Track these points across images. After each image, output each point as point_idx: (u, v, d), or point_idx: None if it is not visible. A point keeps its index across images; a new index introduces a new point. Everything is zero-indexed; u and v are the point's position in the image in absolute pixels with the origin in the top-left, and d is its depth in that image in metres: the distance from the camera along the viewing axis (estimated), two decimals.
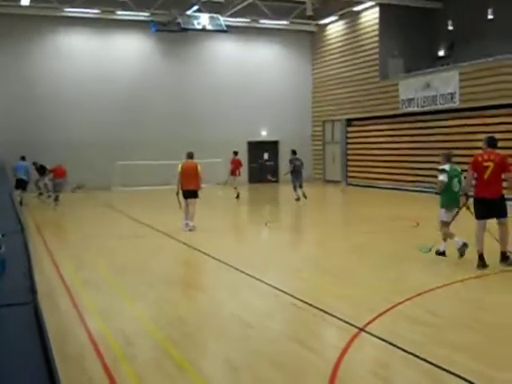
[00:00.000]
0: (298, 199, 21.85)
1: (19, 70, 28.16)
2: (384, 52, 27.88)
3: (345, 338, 6.41)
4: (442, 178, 10.79)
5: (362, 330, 6.70)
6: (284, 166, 33.19)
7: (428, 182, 20.63)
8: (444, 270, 9.97)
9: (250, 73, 32.30)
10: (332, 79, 31.83)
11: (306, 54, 33.83)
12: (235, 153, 25.16)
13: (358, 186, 29.01)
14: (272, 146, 33.04)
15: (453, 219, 10.75)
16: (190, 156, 15.29)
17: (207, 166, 26.13)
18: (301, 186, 22.15)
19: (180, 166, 15.13)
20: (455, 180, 10.83)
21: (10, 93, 27.99)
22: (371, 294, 8.45)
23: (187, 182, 14.91)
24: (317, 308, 7.64)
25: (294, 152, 22.85)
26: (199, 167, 15.05)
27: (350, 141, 30.86)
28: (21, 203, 20.27)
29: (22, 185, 21.72)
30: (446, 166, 10.93)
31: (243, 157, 31.73)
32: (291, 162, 22.67)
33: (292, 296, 8.28)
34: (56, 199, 21.84)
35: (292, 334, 6.80)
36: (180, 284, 9.43)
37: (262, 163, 32.63)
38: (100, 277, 10.18)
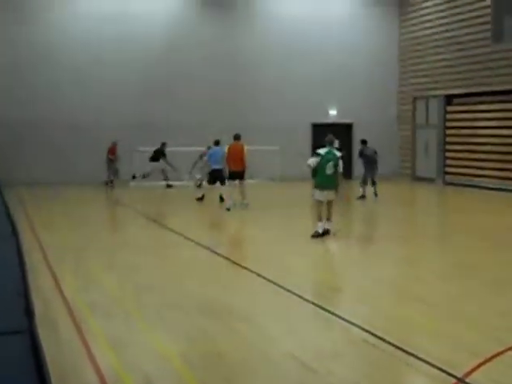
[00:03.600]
0: (362, 197, 23.54)
1: (5, 27, 28.56)
2: (498, 5, 27.40)
3: None
4: (309, 162, 15.31)
5: (461, 380, 6.61)
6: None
7: None
8: None
9: (317, 33, 32.21)
10: (426, 42, 31.45)
11: (392, 7, 33.56)
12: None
13: (459, 185, 28.59)
14: (344, 131, 32.85)
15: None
16: (237, 137, 20.69)
17: (258, 156, 26.23)
18: (374, 182, 23.64)
19: (227, 147, 20.68)
20: (330, 163, 15.05)
21: None
22: (476, 331, 8.33)
23: (233, 164, 20.38)
24: (401, 349, 7.56)
25: (363, 142, 24.42)
26: (245, 149, 20.38)
27: (449, 124, 30.42)
28: (221, 199, 22.06)
29: (216, 176, 21.91)
30: (322, 150, 15.20)
31: (305, 143, 31.70)
32: (362, 153, 24.24)
33: (367, 332, 8.22)
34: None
35: (367, 383, 6.75)
36: (219, 311, 9.46)
37: None
38: (113, 298, 10.31)
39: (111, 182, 28.56)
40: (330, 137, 15.62)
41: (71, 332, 8.29)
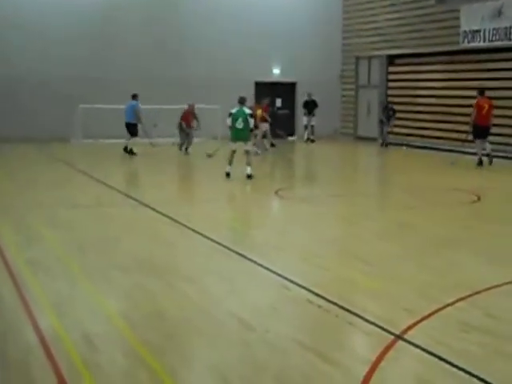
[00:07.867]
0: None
1: None
2: None
3: (377, 348, 6.42)
4: (226, 122, 18.49)
5: (399, 337, 6.72)
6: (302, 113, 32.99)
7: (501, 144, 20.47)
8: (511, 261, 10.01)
9: None
10: (369, 2, 31.47)
11: None
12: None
13: (400, 145, 28.85)
14: (287, 89, 32.82)
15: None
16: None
17: (200, 115, 26.06)
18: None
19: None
20: (239, 119, 18.03)
21: None
22: (413, 290, 8.46)
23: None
24: (341, 307, 7.65)
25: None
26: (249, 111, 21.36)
27: (391, 85, 30.63)
28: (129, 151, 24.15)
29: (128, 129, 24.42)
30: (234, 110, 18.24)
31: (248, 101, 31.48)
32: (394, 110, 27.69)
33: (308, 290, 8.29)
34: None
35: (307, 341, 6.81)
36: (161, 270, 9.44)
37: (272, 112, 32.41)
38: (54, 257, 10.21)
39: (182, 145, 25.68)
40: (241, 97, 18.65)
41: (10, 292, 8.20)
